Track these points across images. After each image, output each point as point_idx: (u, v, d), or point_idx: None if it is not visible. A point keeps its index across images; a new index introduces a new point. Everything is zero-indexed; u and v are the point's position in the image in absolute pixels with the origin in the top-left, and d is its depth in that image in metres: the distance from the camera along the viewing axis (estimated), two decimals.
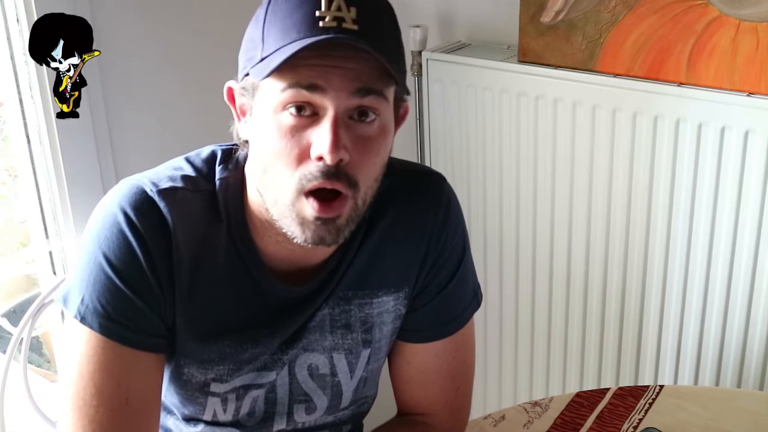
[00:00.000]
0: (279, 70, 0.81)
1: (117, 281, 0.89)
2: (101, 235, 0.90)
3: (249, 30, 0.88)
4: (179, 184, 0.93)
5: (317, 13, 0.81)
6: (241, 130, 0.92)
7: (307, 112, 0.83)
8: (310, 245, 0.87)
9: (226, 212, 0.93)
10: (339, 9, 0.81)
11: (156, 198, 0.90)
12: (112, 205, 0.90)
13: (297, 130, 0.83)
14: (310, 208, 0.84)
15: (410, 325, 1.04)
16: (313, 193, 0.84)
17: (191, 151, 0.99)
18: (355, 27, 0.82)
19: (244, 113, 0.91)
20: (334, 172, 0.83)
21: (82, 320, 0.89)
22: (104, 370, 0.89)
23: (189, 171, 0.95)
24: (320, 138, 0.82)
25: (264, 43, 0.84)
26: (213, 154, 0.97)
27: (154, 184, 0.91)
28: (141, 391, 0.91)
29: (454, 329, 1.06)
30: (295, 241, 0.87)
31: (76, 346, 0.90)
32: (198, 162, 0.96)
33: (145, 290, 0.90)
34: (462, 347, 1.08)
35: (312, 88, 0.82)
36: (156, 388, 0.94)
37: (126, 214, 0.89)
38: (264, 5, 0.86)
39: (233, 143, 0.98)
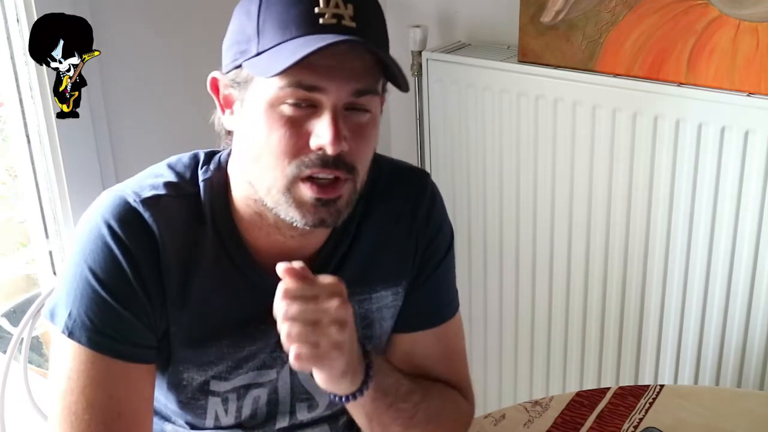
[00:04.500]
0: (278, 73, 0.81)
1: (104, 294, 0.88)
2: (86, 248, 0.89)
3: (238, 22, 0.88)
4: (162, 191, 0.92)
5: (316, 10, 0.82)
6: (226, 121, 0.92)
7: (305, 104, 0.84)
8: (310, 227, 0.88)
9: (212, 212, 0.93)
10: (337, 6, 0.82)
11: (140, 208, 0.90)
12: (95, 218, 0.90)
13: (295, 121, 0.84)
14: (308, 191, 0.85)
15: (404, 314, 1.04)
16: (310, 179, 0.85)
17: (172, 157, 0.98)
18: (354, 24, 0.83)
19: (229, 104, 0.91)
20: (333, 161, 0.84)
21: (70, 335, 0.88)
22: (95, 383, 0.88)
23: (171, 177, 0.94)
24: (322, 130, 0.83)
25: (260, 37, 0.84)
26: (195, 158, 0.97)
27: (137, 194, 0.91)
28: (133, 404, 0.90)
29: (448, 315, 1.06)
30: (294, 225, 0.88)
31: (65, 361, 0.89)
32: (180, 167, 0.96)
33: (133, 301, 0.89)
34: (456, 334, 1.08)
35: (313, 89, 0.83)
36: (148, 399, 0.93)
37: (110, 226, 0.88)
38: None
39: (215, 149, 0.99)
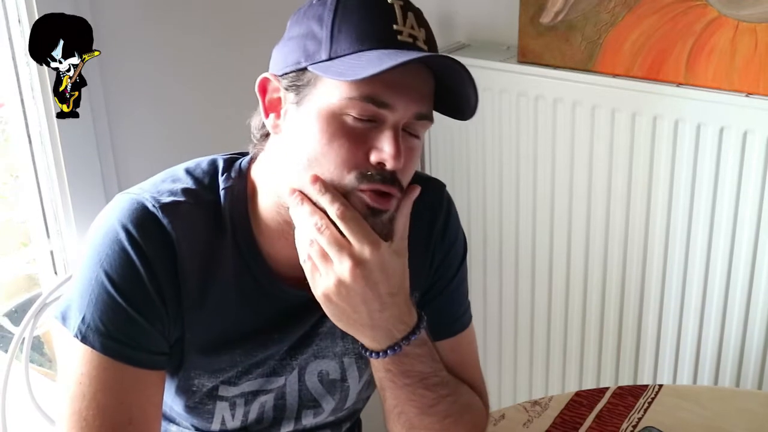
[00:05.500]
0: (366, 78, 0.81)
1: (119, 300, 0.87)
2: (102, 252, 0.88)
3: (303, 26, 0.87)
4: (181, 197, 0.91)
5: (395, 27, 0.84)
6: (268, 124, 0.91)
7: (366, 118, 0.84)
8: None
9: (231, 220, 0.93)
10: (413, 27, 0.85)
11: (159, 214, 0.89)
12: (112, 222, 0.89)
13: (357, 133, 0.84)
14: (366, 199, 0.85)
15: None
16: (368, 190, 0.85)
17: (190, 161, 0.98)
18: (426, 47, 0.85)
19: (274, 108, 0.90)
20: (390, 177, 0.85)
21: (83, 339, 0.87)
22: (106, 389, 0.87)
23: (189, 183, 0.94)
24: (385, 146, 0.84)
25: (333, 43, 0.84)
26: (214, 165, 0.96)
27: (156, 199, 0.90)
28: (143, 409, 0.90)
29: (462, 326, 1.07)
30: None
31: (76, 365, 0.88)
32: (199, 173, 0.95)
33: (148, 308, 0.89)
34: (470, 344, 1.08)
35: (383, 105, 0.83)
36: (157, 405, 0.93)
37: (128, 231, 0.88)
38: (330, 6, 0.86)
39: (233, 153, 0.98)
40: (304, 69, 0.86)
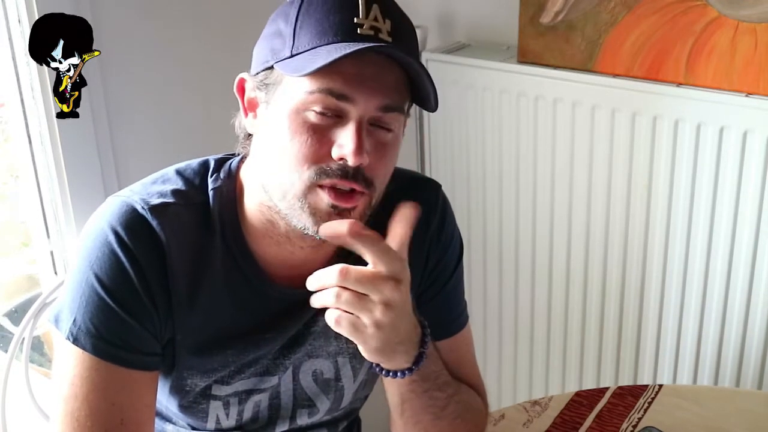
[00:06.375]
0: (312, 72, 0.81)
1: (109, 302, 0.88)
2: (92, 255, 0.88)
3: (274, 25, 0.88)
4: (170, 199, 0.92)
5: (355, 20, 0.83)
6: (248, 124, 0.92)
7: (331, 113, 0.84)
8: (320, 236, 0.86)
9: (221, 221, 0.93)
10: (375, 19, 0.83)
11: (148, 216, 0.89)
12: (102, 224, 0.89)
13: (320, 129, 0.84)
14: (326, 197, 0.84)
15: None
16: (328, 187, 0.84)
17: (182, 162, 0.98)
18: (390, 39, 0.84)
19: (252, 107, 0.90)
20: (353, 173, 0.84)
21: (75, 341, 0.88)
22: (98, 390, 0.88)
23: (179, 184, 0.94)
24: (345, 141, 0.83)
25: (295, 39, 0.84)
26: (205, 165, 0.97)
27: (145, 201, 0.90)
28: (136, 410, 0.90)
29: (459, 327, 1.07)
30: (305, 234, 0.87)
31: (68, 367, 0.88)
32: (189, 173, 0.96)
33: (139, 310, 0.89)
34: (467, 344, 1.08)
35: (342, 98, 0.83)
36: (150, 406, 0.93)
37: (117, 234, 0.88)
38: (296, 3, 0.86)
39: (226, 154, 0.98)
40: (272, 68, 0.86)
